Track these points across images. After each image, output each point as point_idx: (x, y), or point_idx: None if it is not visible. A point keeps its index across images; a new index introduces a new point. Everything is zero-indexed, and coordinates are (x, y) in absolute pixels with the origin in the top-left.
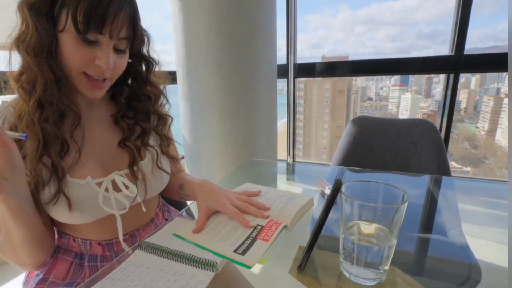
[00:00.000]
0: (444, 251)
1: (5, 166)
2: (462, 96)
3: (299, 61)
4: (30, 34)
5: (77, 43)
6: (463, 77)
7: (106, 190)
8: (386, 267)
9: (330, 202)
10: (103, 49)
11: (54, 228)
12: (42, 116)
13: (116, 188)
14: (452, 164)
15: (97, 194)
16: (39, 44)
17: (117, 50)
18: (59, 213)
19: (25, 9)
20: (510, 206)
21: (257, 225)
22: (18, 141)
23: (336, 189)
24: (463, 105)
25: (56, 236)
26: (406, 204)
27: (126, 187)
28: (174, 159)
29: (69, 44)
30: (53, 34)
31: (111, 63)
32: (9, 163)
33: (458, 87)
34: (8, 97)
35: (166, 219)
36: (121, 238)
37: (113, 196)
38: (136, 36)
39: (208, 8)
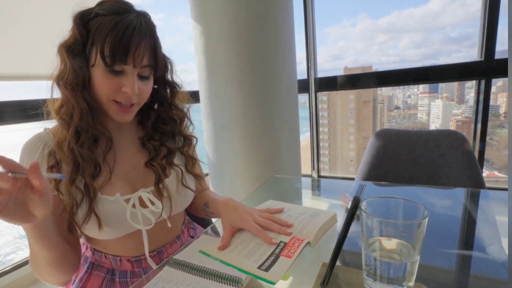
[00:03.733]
0: (483, 268)
1: (38, 207)
2: (500, 100)
3: (320, 73)
4: (68, 71)
5: (106, 74)
6: (500, 80)
7: (134, 206)
8: (411, 284)
9: (349, 220)
10: (128, 78)
11: (88, 246)
12: (79, 142)
13: (143, 204)
14: (495, 173)
15: (125, 210)
16: (75, 79)
17: (141, 77)
18: (91, 230)
19: (63, 51)
20: (510, 209)
21: (280, 242)
22: (56, 165)
23: (355, 206)
24: (502, 110)
25: (89, 254)
26: (426, 220)
27: (152, 203)
28: (199, 177)
29: (99, 76)
30: (86, 69)
31: (136, 89)
32: (42, 204)
33: (495, 90)
34: (50, 122)
35: (192, 236)
36: (146, 253)
37: (140, 212)
38: (157, 63)
39: (228, 30)
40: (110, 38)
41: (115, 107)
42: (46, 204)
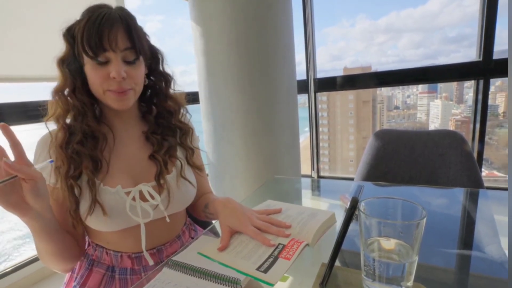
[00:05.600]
0: (482, 268)
1: (30, 195)
2: (499, 100)
3: (320, 74)
4: (61, 81)
5: (94, 67)
6: (499, 80)
7: (134, 199)
8: (409, 284)
9: (347, 221)
10: (112, 64)
11: (90, 243)
12: (74, 139)
13: (143, 198)
14: (494, 173)
15: (125, 202)
16: (67, 85)
17: (127, 62)
18: (96, 221)
19: (58, 64)
20: (510, 208)
21: (279, 244)
22: (58, 168)
23: (353, 207)
24: (501, 110)
25: (91, 250)
26: (425, 220)
27: (152, 197)
28: (199, 169)
29: (90, 71)
30: (80, 74)
31: (122, 73)
32: (33, 192)
33: (494, 90)
34: (51, 124)
35: (193, 237)
36: (143, 246)
37: (139, 205)
38: (135, 44)
39: (227, 31)
40: (85, 31)
41: (110, 95)
42: (35, 192)
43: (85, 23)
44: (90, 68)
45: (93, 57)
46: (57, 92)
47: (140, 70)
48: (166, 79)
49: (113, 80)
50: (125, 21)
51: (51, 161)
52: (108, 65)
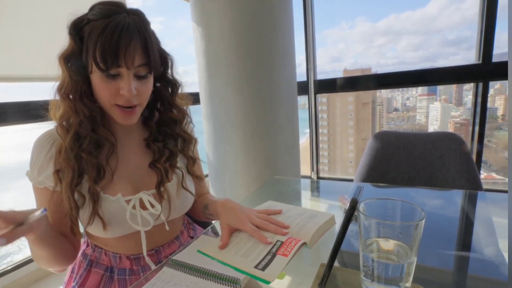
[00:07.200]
0: (480, 269)
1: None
2: (498, 103)
3: (320, 75)
4: (67, 81)
5: (103, 79)
6: (498, 83)
7: (134, 207)
8: (408, 284)
9: (347, 222)
10: (124, 80)
11: (89, 244)
12: (81, 147)
13: (143, 206)
14: (492, 175)
15: (125, 210)
16: (73, 88)
17: (138, 77)
18: (95, 230)
19: (62, 61)
20: (510, 209)
21: (277, 241)
22: (57, 172)
23: (353, 208)
24: (500, 112)
25: (90, 251)
26: (423, 221)
27: (152, 206)
28: (199, 178)
29: (97, 82)
30: (86, 77)
31: (133, 90)
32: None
33: (493, 93)
34: (52, 123)
35: (192, 237)
36: (145, 253)
37: (140, 213)
38: (151, 61)
39: (228, 33)
40: (100, 43)
41: (117, 111)
42: (32, 234)
43: (100, 33)
44: (98, 79)
45: (104, 71)
46: (61, 92)
47: (149, 85)
48: (173, 86)
49: (121, 96)
50: (142, 35)
51: (44, 210)
52: (118, 79)
